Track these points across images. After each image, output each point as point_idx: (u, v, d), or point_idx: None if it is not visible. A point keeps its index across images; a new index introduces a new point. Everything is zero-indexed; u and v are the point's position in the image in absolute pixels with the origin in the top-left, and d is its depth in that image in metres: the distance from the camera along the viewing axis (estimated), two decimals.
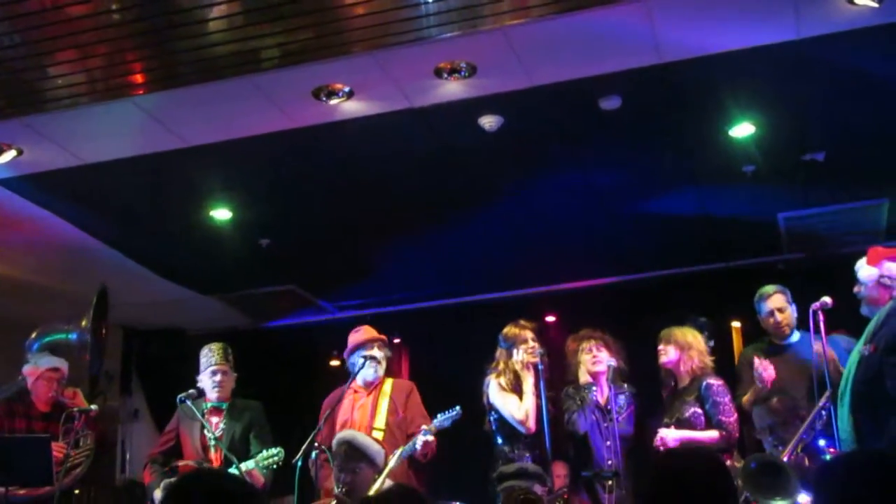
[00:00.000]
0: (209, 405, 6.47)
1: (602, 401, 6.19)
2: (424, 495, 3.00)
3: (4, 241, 7.45)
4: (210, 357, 6.53)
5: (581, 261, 8.40)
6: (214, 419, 6.44)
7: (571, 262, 8.42)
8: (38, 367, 6.66)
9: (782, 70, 5.53)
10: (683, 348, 6.15)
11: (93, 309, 6.41)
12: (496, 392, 6.23)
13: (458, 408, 6.03)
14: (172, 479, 5.62)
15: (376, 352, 6.41)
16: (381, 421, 6.21)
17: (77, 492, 8.58)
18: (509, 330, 6.40)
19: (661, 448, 5.88)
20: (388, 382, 6.47)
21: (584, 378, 6.31)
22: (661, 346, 6.25)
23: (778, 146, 6.40)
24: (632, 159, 6.63)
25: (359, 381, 6.39)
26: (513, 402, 6.15)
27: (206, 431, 6.29)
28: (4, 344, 7.91)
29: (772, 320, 6.28)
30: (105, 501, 9.24)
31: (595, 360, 6.27)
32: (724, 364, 6.55)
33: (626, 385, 6.37)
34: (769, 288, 6.36)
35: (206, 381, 6.48)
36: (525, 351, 6.21)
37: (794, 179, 6.92)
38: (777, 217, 7.67)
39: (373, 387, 6.41)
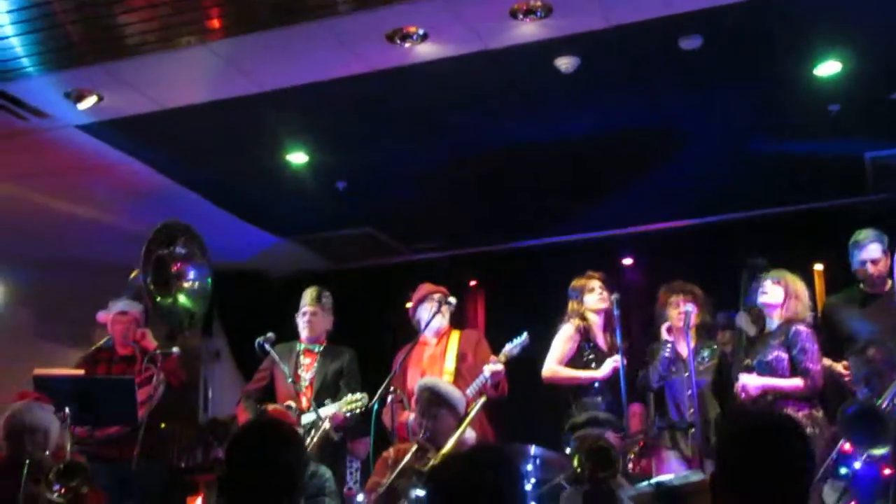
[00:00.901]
0: (303, 346, 6.65)
1: (683, 352, 6.11)
2: (506, 449, 3.07)
3: (88, 185, 7.61)
4: (304, 299, 6.78)
5: (659, 202, 8.26)
6: (307, 360, 6.59)
7: (649, 204, 8.29)
8: (108, 313, 6.84)
9: (871, 5, 5.33)
10: (790, 296, 5.96)
11: (145, 247, 6.45)
12: (560, 333, 6.33)
13: (525, 334, 6.08)
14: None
15: (450, 298, 6.49)
16: (450, 365, 6.28)
17: (163, 426, 8.82)
18: (577, 281, 6.45)
19: (743, 395, 5.78)
20: (456, 333, 6.56)
21: (665, 333, 6.23)
22: (767, 284, 6.02)
23: (866, 84, 6.18)
24: (712, 99, 6.47)
25: (428, 333, 6.45)
26: (557, 351, 6.27)
27: (299, 371, 6.45)
28: (94, 287, 8.10)
29: (864, 270, 6.08)
30: (189, 438, 9.48)
31: (681, 316, 6.16)
32: None
33: (712, 342, 6.29)
34: (864, 235, 6.10)
35: (299, 321, 6.70)
36: (591, 300, 6.23)
37: (883, 118, 6.69)
38: (863, 156, 7.44)
39: (440, 337, 6.46)
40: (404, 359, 6.40)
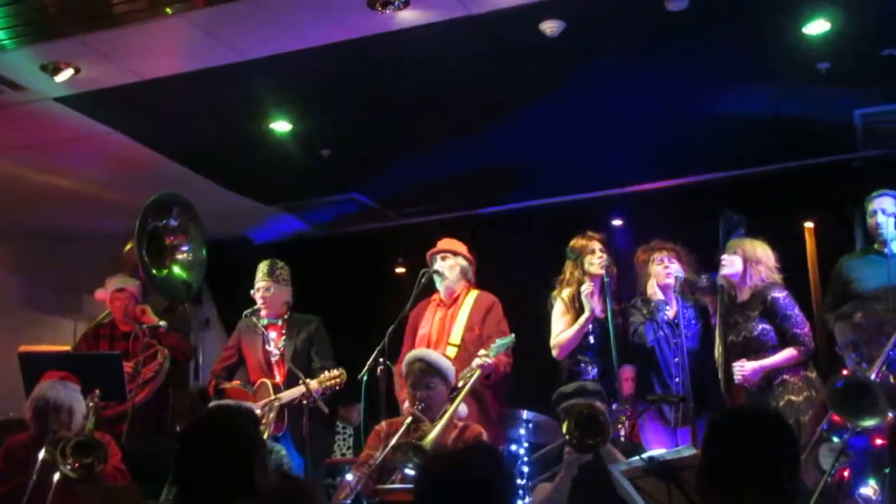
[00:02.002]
0: (266, 321, 6.52)
1: (671, 315, 6.06)
2: (499, 450, 3.04)
3: (70, 157, 7.53)
4: (257, 274, 6.62)
5: (649, 163, 8.19)
6: (273, 334, 6.49)
7: (639, 165, 8.21)
8: (106, 290, 6.79)
9: None
10: (751, 261, 5.89)
11: (139, 219, 6.41)
12: (555, 310, 6.21)
13: (511, 335, 5.98)
14: (207, 408, 5.66)
15: (438, 264, 6.37)
16: (456, 336, 6.16)
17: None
18: (576, 241, 6.30)
19: (746, 385, 5.73)
20: (472, 296, 6.36)
21: (652, 290, 6.15)
22: (725, 256, 5.94)
23: (854, 42, 6.11)
24: (700, 60, 6.39)
25: (442, 294, 6.38)
26: (559, 325, 6.15)
27: (268, 346, 6.37)
28: (79, 256, 8.06)
29: (871, 221, 6.01)
30: (181, 404, 9.46)
31: (667, 272, 6.09)
32: (798, 266, 6.32)
33: (694, 298, 6.21)
34: (877, 192, 6.01)
35: (257, 300, 6.53)
36: (591, 262, 6.14)
37: (872, 76, 6.63)
38: (853, 114, 7.36)
39: (453, 299, 6.36)
40: (415, 316, 6.38)
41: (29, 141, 7.16)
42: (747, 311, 5.84)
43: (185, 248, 6.63)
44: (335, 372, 6.16)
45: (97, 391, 5.76)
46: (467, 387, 5.54)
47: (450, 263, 6.41)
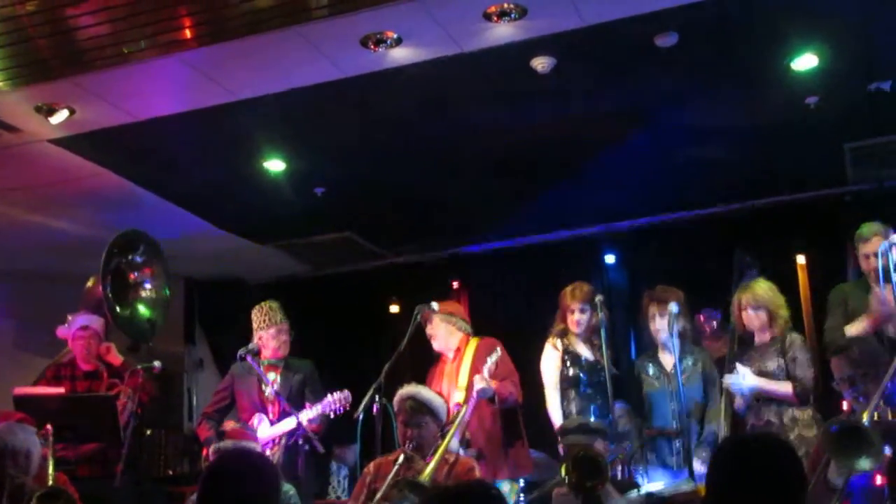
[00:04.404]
0: (265, 362, 6.50)
1: (667, 365, 6.10)
2: (496, 489, 3.07)
3: (64, 198, 7.52)
4: (274, 316, 6.58)
5: (639, 198, 8.24)
6: (271, 375, 6.47)
7: (630, 200, 8.26)
8: (69, 329, 6.74)
9: None
10: (773, 316, 5.91)
11: (104, 257, 6.40)
12: (542, 362, 6.40)
13: (497, 350, 6.02)
14: (210, 461, 5.61)
15: (429, 329, 6.43)
16: (462, 382, 6.19)
17: (149, 432, 8.70)
18: (563, 294, 6.42)
19: (735, 388, 5.75)
20: (473, 344, 6.43)
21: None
22: (750, 312, 5.95)
23: (843, 77, 6.17)
24: (689, 95, 6.45)
25: (445, 352, 6.46)
26: (545, 379, 6.37)
27: (264, 387, 6.37)
28: (72, 298, 8.03)
29: (866, 264, 6.01)
30: (174, 445, 9.41)
31: (657, 332, 6.19)
32: (789, 301, 6.32)
33: (695, 347, 6.25)
34: (869, 230, 5.96)
35: (271, 340, 6.50)
36: (571, 321, 6.32)
37: (860, 109, 6.68)
38: (842, 147, 7.42)
39: (455, 352, 6.42)
40: (428, 377, 6.48)
41: (24, 182, 7.16)
42: (769, 347, 5.87)
43: (147, 286, 6.66)
44: (338, 394, 6.20)
45: (49, 429, 5.56)
46: (457, 421, 5.56)
47: (436, 324, 6.47)
